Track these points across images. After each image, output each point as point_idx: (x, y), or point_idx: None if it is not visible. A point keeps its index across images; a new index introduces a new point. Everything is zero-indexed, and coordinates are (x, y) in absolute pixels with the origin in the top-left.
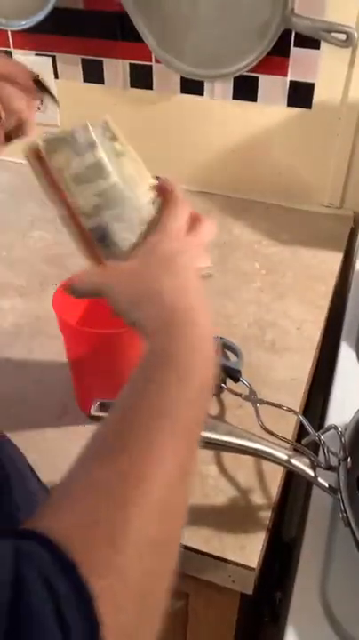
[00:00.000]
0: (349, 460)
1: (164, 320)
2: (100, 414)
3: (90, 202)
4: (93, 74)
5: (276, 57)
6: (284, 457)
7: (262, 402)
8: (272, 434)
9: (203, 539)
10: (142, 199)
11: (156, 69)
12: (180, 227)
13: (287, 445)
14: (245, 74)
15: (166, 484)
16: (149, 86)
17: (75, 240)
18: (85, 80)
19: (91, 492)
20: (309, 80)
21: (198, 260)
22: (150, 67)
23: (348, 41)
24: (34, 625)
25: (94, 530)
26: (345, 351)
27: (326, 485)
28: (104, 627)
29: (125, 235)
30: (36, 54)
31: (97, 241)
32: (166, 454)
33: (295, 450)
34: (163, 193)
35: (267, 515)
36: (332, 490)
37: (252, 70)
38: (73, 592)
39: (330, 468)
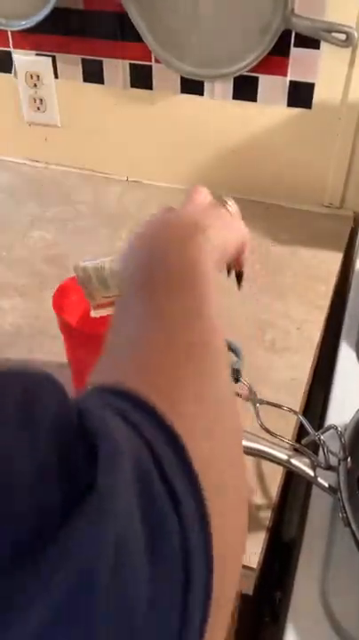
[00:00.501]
0: (349, 460)
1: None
2: None
3: None
4: (93, 74)
5: (276, 57)
6: (284, 457)
7: (262, 402)
8: (272, 434)
9: None
10: None
11: (156, 69)
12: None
13: (287, 445)
14: (245, 74)
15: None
16: (149, 86)
17: None
18: (85, 80)
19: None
20: (309, 80)
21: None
22: (150, 67)
23: (348, 41)
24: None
25: (183, 390)
26: (345, 351)
27: (326, 485)
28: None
29: None
30: (36, 54)
31: None
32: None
33: (295, 450)
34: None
35: (267, 515)
36: (332, 490)
37: (252, 70)
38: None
39: (329, 468)
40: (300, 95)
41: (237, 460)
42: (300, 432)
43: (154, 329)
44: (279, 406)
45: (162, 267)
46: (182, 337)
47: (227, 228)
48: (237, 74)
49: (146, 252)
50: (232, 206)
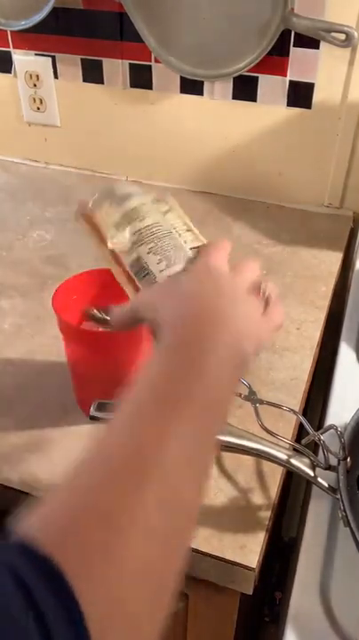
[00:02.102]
0: (349, 459)
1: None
2: (100, 415)
3: (128, 241)
4: (93, 74)
5: (276, 57)
6: (284, 457)
7: (262, 402)
8: (272, 434)
9: (203, 538)
10: (180, 239)
11: (156, 69)
12: (224, 267)
13: (287, 445)
14: (245, 74)
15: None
16: (149, 86)
17: (123, 284)
18: (85, 80)
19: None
20: (309, 80)
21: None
22: (150, 67)
23: (348, 41)
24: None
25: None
26: (344, 351)
27: (326, 485)
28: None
29: (161, 266)
30: (36, 54)
31: (135, 275)
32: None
33: (295, 450)
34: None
35: (266, 515)
36: (332, 490)
37: (252, 70)
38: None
39: (329, 467)
40: (300, 95)
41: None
42: (300, 432)
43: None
44: (279, 406)
45: (202, 379)
46: (166, 485)
47: (261, 330)
48: (237, 74)
49: (192, 336)
50: (271, 290)
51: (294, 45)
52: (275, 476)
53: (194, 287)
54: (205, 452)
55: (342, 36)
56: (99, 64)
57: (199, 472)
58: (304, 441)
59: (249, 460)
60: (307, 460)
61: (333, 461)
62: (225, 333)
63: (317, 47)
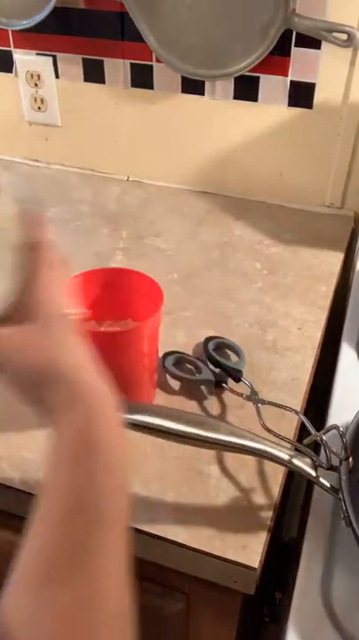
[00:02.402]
0: (351, 459)
1: (74, 397)
2: None
3: None
4: (94, 73)
5: (277, 57)
6: (286, 457)
7: (263, 402)
8: (273, 434)
9: (205, 538)
10: (14, 242)
11: (157, 69)
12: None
13: (288, 445)
14: (246, 74)
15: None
16: (150, 86)
17: None
18: (86, 80)
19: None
20: (310, 80)
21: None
22: (151, 66)
23: (349, 41)
24: None
25: None
26: (345, 351)
27: (328, 485)
28: None
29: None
30: (37, 54)
31: None
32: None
33: (296, 450)
34: (33, 231)
35: (268, 515)
36: (334, 490)
37: (253, 70)
38: None
39: (331, 467)
40: (301, 95)
41: None
42: (302, 432)
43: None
44: (280, 406)
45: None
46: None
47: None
48: (238, 74)
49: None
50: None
51: (295, 45)
52: (276, 476)
53: (56, 349)
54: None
55: (344, 36)
56: (101, 64)
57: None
58: (306, 441)
59: (250, 460)
60: (308, 460)
61: (335, 461)
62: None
63: (319, 47)
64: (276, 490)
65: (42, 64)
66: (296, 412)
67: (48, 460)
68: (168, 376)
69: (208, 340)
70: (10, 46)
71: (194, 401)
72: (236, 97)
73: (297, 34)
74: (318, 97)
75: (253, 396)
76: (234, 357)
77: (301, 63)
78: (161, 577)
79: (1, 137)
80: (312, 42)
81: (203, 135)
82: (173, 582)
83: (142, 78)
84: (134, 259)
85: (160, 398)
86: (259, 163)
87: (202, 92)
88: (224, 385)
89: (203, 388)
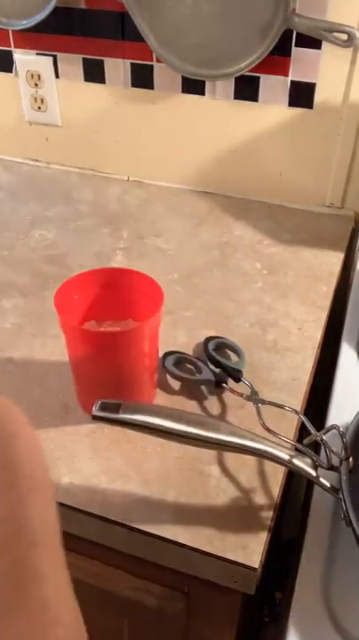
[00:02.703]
0: (351, 459)
1: None
2: (102, 414)
3: None
4: (94, 73)
5: (278, 57)
6: (286, 457)
7: (264, 402)
8: (273, 434)
9: (205, 538)
10: None
11: (158, 69)
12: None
13: (289, 445)
14: (246, 74)
15: None
16: (150, 86)
17: None
18: (86, 79)
19: None
20: (311, 80)
21: None
22: (151, 66)
23: (350, 41)
24: None
25: None
26: (346, 351)
27: (328, 485)
28: None
29: None
30: (37, 54)
31: None
32: None
33: (297, 450)
34: None
35: (268, 515)
36: (334, 490)
37: (254, 70)
38: None
39: (331, 467)
40: (302, 95)
41: None
42: (302, 432)
43: None
44: (281, 406)
45: None
46: None
47: None
48: (238, 74)
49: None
50: None
51: (296, 45)
52: (277, 476)
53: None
54: None
55: (344, 36)
56: (101, 63)
57: None
58: (306, 441)
59: (251, 460)
60: (309, 460)
61: (335, 461)
62: None
63: (319, 47)
64: (276, 490)
65: (42, 64)
66: (296, 412)
67: None
68: (168, 376)
69: (208, 339)
70: (10, 46)
71: (194, 401)
72: (237, 97)
73: (297, 34)
74: (318, 97)
75: (253, 396)
76: (234, 357)
77: (302, 63)
78: (161, 577)
79: (1, 137)
80: (312, 42)
81: (204, 135)
82: (173, 582)
83: (143, 78)
84: (135, 259)
85: (160, 398)
86: (259, 163)
87: (202, 92)
88: (224, 385)
89: (203, 387)
